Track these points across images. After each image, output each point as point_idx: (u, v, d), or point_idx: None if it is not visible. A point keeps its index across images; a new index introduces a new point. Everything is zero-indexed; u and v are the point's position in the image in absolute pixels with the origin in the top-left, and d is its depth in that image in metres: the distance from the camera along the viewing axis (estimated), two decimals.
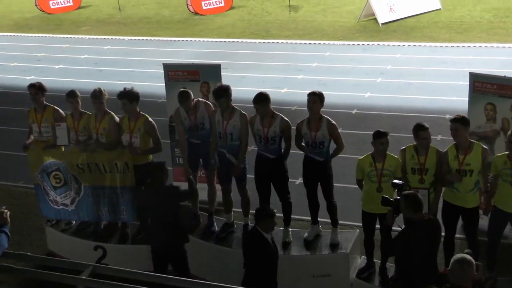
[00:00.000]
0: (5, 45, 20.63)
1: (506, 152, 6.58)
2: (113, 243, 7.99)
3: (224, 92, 7.21)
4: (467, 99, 8.08)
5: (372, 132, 6.75)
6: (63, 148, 8.11)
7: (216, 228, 7.86)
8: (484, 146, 6.69)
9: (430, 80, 14.41)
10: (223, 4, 23.43)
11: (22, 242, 7.74)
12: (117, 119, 7.76)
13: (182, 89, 7.70)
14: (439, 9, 20.99)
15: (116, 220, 8.06)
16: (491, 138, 7.73)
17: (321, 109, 7.15)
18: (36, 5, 25.06)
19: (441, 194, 6.81)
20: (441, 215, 6.80)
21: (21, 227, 7.96)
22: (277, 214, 7.89)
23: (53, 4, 25.13)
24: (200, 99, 7.98)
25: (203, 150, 7.77)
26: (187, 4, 23.45)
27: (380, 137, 6.63)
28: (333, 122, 7.12)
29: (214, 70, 9.08)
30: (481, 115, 7.82)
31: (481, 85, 7.88)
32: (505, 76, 7.97)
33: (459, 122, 6.47)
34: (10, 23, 23.95)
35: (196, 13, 23.15)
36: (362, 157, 6.88)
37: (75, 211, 8.01)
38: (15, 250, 5.43)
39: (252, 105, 7.20)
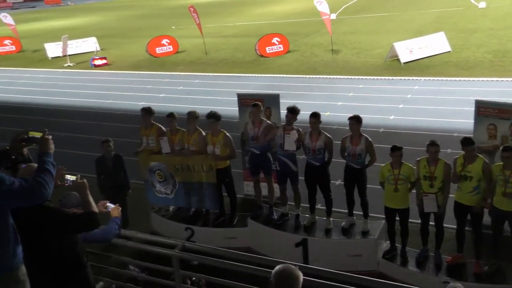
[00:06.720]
0: (124, 80, 21.34)
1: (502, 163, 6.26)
2: (199, 226, 8.09)
3: (298, 111, 7.32)
4: (472, 121, 7.75)
5: None
6: (164, 154, 8.27)
7: (275, 217, 7.84)
8: (486, 160, 6.38)
9: (441, 106, 13.88)
10: (282, 49, 23.47)
11: (134, 223, 7.93)
12: (204, 133, 7.88)
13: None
14: (449, 51, 20.28)
15: (202, 207, 8.18)
16: (492, 152, 7.37)
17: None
18: (146, 51, 25.89)
19: (453, 196, 6.53)
20: (453, 212, 6.58)
21: (133, 213, 8.17)
22: (321, 207, 7.85)
23: (159, 50, 25.90)
24: (265, 119, 8.01)
25: (262, 161, 7.79)
26: (255, 49, 23.65)
27: (395, 151, 6.52)
28: (370, 139, 6.97)
29: (275, 98, 9.08)
30: (484, 134, 7.50)
31: (484, 109, 7.58)
32: (505, 102, 7.62)
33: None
34: (126, 64, 24.74)
35: (261, 56, 23.29)
36: (383, 165, 6.74)
37: (173, 199, 8.22)
38: (128, 230, 5.55)
39: (303, 124, 7.14)
